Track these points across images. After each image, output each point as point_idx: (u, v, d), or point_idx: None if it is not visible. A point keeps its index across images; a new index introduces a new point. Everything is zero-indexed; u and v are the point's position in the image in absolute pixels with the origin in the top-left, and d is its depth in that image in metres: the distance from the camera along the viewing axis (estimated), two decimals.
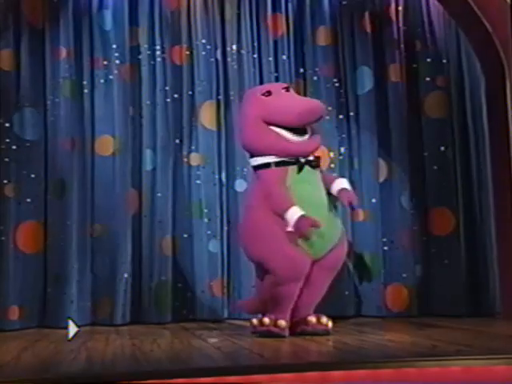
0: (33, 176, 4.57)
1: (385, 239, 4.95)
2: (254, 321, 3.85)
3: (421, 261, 4.94)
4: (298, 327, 3.86)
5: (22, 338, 4.02)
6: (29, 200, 4.55)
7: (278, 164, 3.83)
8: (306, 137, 3.88)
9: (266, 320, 3.78)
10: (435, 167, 4.98)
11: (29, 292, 4.48)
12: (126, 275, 4.60)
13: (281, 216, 3.73)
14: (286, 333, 3.77)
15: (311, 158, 3.90)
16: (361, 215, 4.94)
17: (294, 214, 3.69)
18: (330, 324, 3.88)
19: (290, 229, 3.71)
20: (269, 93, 3.92)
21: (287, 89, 4.00)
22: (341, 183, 3.98)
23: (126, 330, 4.34)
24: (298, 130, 3.84)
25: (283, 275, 3.75)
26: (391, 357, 3.08)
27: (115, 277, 4.59)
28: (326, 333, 3.82)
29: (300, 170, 3.84)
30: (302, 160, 3.85)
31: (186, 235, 4.76)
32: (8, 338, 4.05)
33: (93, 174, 4.68)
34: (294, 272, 3.76)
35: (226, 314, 4.72)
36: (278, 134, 3.83)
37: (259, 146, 3.89)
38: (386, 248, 4.95)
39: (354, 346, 3.40)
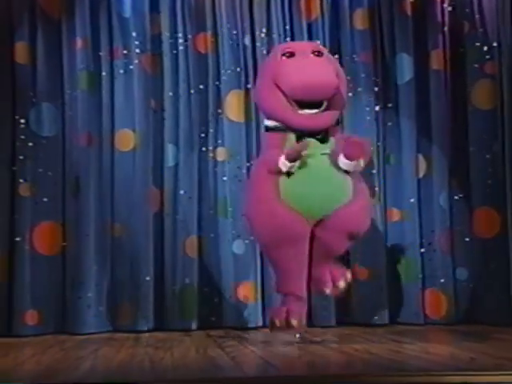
0: (50, 174, 4.57)
1: (423, 240, 4.81)
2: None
3: (462, 264, 4.79)
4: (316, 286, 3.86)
5: (35, 344, 4.04)
6: (46, 199, 4.55)
7: (279, 129, 3.81)
8: (319, 110, 3.77)
9: (277, 322, 3.77)
10: (481, 163, 4.80)
11: (46, 296, 4.50)
12: (147, 278, 4.56)
13: (275, 172, 3.71)
14: (301, 328, 3.79)
15: None
16: (396, 215, 4.82)
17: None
18: (349, 276, 3.88)
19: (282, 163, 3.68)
20: (290, 54, 3.85)
21: (318, 53, 3.88)
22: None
23: (145, 337, 4.31)
24: (308, 102, 3.75)
25: (268, 235, 3.75)
26: (418, 369, 2.97)
27: (136, 280, 4.56)
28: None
29: (298, 139, 3.77)
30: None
31: (212, 235, 4.70)
32: (22, 344, 4.08)
33: (112, 171, 4.66)
34: (279, 231, 3.70)
35: (260, 322, 4.63)
36: (284, 101, 3.77)
37: (266, 109, 3.92)
38: (423, 250, 4.81)
39: (382, 357, 3.30)
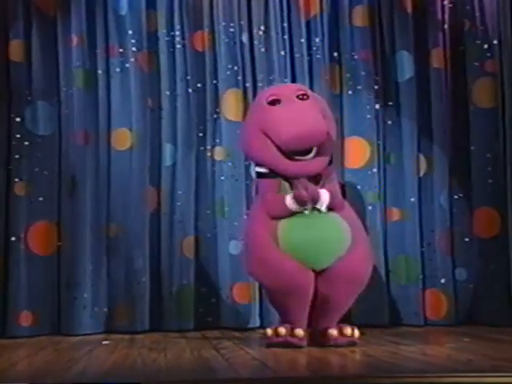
0: (45, 173, 4.57)
1: (422, 241, 4.79)
2: (269, 331, 3.74)
3: (462, 265, 4.77)
4: (319, 339, 3.75)
5: (29, 345, 4.04)
6: (41, 199, 4.54)
7: (270, 175, 3.78)
8: (309, 156, 3.73)
9: (282, 330, 3.67)
10: (482, 162, 4.77)
11: (41, 297, 4.48)
12: (143, 279, 4.55)
13: (279, 214, 3.68)
14: (305, 343, 3.67)
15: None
16: (396, 214, 4.80)
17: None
18: (357, 333, 3.75)
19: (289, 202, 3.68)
20: (276, 102, 3.77)
21: (305, 96, 3.81)
22: None
23: (141, 338, 4.29)
24: (299, 151, 3.72)
25: (271, 286, 3.73)
26: (414, 371, 2.95)
27: (132, 281, 4.55)
28: (352, 344, 3.69)
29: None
30: None
31: (209, 235, 4.69)
32: (16, 346, 4.06)
33: (108, 170, 4.64)
34: (281, 282, 3.66)
35: (257, 323, 4.62)
36: (274, 150, 3.73)
37: (256, 157, 3.87)
38: (423, 250, 4.79)
39: (378, 359, 3.28)
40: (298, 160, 3.72)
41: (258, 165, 3.89)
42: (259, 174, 3.88)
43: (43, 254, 4.52)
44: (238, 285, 4.62)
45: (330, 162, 3.86)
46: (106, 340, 4.16)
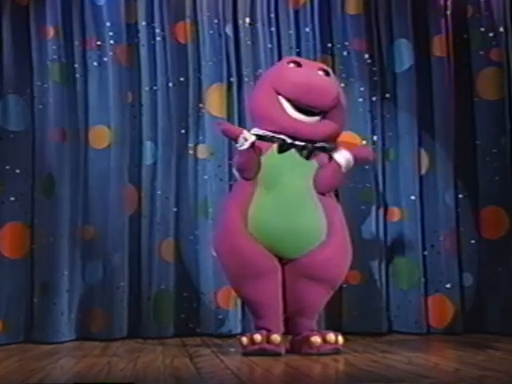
0: (18, 172, 4.56)
1: (425, 242, 4.74)
2: (244, 339, 3.69)
3: (468, 268, 4.71)
4: (301, 348, 3.72)
5: None
6: (13, 199, 4.53)
7: (261, 138, 3.76)
8: (316, 118, 3.76)
9: (258, 337, 3.63)
10: (488, 158, 4.72)
11: (14, 302, 4.48)
12: (121, 283, 4.55)
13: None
14: (282, 349, 3.64)
15: (303, 144, 3.76)
16: (397, 214, 4.75)
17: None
18: (341, 340, 3.71)
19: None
20: (297, 64, 3.88)
21: (325, 72, 3.91)
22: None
23: (116, 345, 4.29)
24: (308, 111, 3.75)
25: (232, 269, 3.73)
26: (389, 380, 2.92)
27: (110, 285, 4.55)
28: (336, 352, 3.65)
29: (281, 151, 3.73)
30: (288, 141, 3.74)
31: (191, 237, 4.69)
32: None
33: (86, 170, 4.64)
34: (244, 265, 3.67)
35: (238, 329, 4.61)
36: (282, 106, 3.76)
37: (257, 111, 3.89)
38: (425, 253, 4.73)
39: (358, 368, 3.26)
40: (301, 120, 3.75)
41: (258, 125, 3.88)
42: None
43: (15, 257, 4.52)
44: (222, 290, 4.60)
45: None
46: None
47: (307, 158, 3.76)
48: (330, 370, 3.31)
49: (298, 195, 3.73)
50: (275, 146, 3.75)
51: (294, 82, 3.75)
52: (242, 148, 3.69)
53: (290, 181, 3.72)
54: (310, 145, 3.76)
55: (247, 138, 3.68)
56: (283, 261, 3.74)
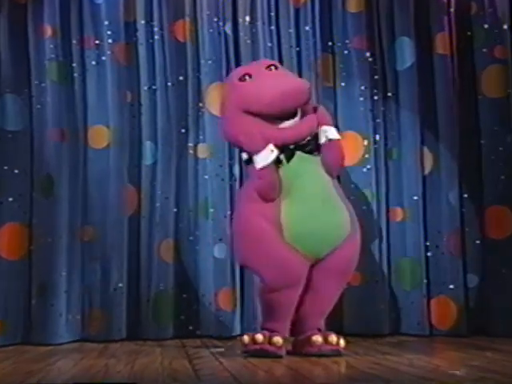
0: (16, 172, 4.55)
1: (428, 243, 4.72)
2: (245, 338, 3.73)
3: (473, 269, 4.69)
4: (302, 348, 3.73)
5: None
6: (11, 199, 4.53)
7: None
8: (296, 119, 3.76)
9: (260, 337, 3.65)
10: (493, 157, 4.70)
11: (11, 304, 4.47)
12: (120, 284, 4.55)
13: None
14: (283, 352, 3.65)
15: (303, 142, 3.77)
16: (399, 214, 4.74)
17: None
18: (342, 343, 3.71)
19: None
20: (247, 76, 3.84)
21: (273, 67, 3.89)
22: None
23: (115, 346, 4.29)
24: (284, 115, 3.74)
25: (273, 281, 3.68)
26: (387, 382, 2.92)
27: (109, 286, 4.54)
28: (337, 353, 3.66)
29: (289, 159, 3.73)
30: (291, 147, 3.74)
31: (191, 238, 4.69)
32: None
33: (85, 170, 4.64)
34: (285, 277, 3.66)
35: (238, 330, 4.61)
36: (259, 122, 3.73)
37: (243, 139, 3.80)
38: (429, 254, 4.71)
39: (359, 370, 3.26)
40: (283, 127, 3.74)
41: (243, 151, 3.88)
42: (247, 161, 3.86)
43: (13, 258, 4.51)
44: (223, 291, 4.61)
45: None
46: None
47: (311, 152, 3.77)
48: (330, 372, 3.30)
49: (321, 193, 3.75)
50: (281, 157, 3.74)
51: (268, 102, 3.68)
52: (268, 162, 3.67)
53: (308, 182, 3.74)
54: (311, 140, 3.78)
55: (273, 149, 3.69)
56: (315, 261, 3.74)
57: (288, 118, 3.74)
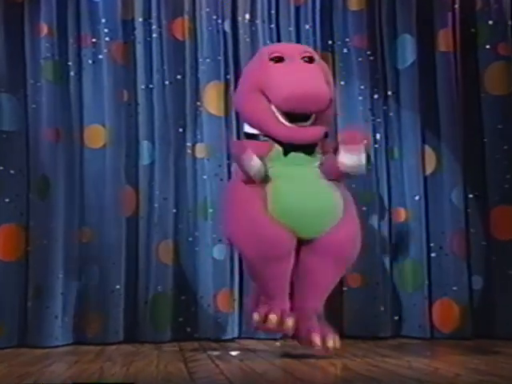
0: (12, 172, 4.55)
1: (432, 244, 4.71)
2: (256, 316, 3.73)
3: (478, 271, 4.68)
4: (301, 341, 3.76)
5: None
6: (7, 200, 4.52)
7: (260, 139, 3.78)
8: (307, 123, 3.72)
9: (273, 318, 3.66)
10: (498, 156, 4.69)
11: (7, 306, 4.47)
12: (118, 286, 4.55)
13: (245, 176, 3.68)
14: (280, 328, 3.70)
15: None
16: (402, 215, 4.73)
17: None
18: (337, 342, 3.70)
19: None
20: (279, 59, 3.80)
21: (309, 58, 3.83)
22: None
23: (112, 349, 4.29)
24: (297, 115, 3.70)
25: (255, 253, 3.67)
26: None
27: (106, 288, 4.54)
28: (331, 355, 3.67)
29: (286, 153, 3.73)
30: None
31: (190, 239, 4.68)
32: None
33: (81, 170, 4.64)
34: (267, 248, 3.64)
35: (236, 333, 4.62)
36: (271, 111, 3.73)
37: (248, 117, 3.85)
38: (433, 254, 4.70)
39: (356, 372, 3.26)
40: (290, 126, 3.72)
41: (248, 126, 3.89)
42: (248, 135, 3.87)
43: (10, 259, 4.51)
44: (222, 292, 4.61)
45: (326, 135, 3.84)
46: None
47: (311, 153, 3.77)
48: (326, 375, 3.31)
49: (311, 180, 3.74)
50: (276, 146, 3.74)
51: (286, 96, 3.64)
52: (248, 170, 3.66)
53: (300, 172, 3.73)
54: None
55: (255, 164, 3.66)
56: (301, 241, 3.73)
57: (299, 119, 3.70)
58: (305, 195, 3.68)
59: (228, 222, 3.85)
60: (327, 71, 3.95)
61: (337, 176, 3.74)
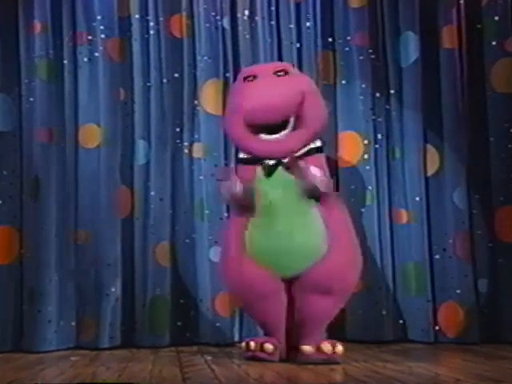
0: (5, 173, 4.57)
1: (435, 246, 4.69)
2: (243, 344, 3.91)
3: (484, 273, 4.65)
4: (295, 356, 3.78)
5: None
6: (1, 202, 4.54)
7: (247, 161, 3.87)
8: (283, 133, 3.78)
9: (252, 344, 3.80)
10: (503, 155, 4.66)
11: (1, 310, 4.48)
12: (113, 289, 4.54)
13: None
14: (275, 358, 3.76)
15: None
16: (403, 216, 4.71)
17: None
18: (339, 350, 3.71)
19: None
20: (253, 77, 3.92)
21: (280, 72, 3.93)
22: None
23: (107, 354, 4.29)
24: (264, 126, 3.77)
25: (238, 292, 3.90)
26: None
27: (102, 291, 4.53)
28: (331, 362, 3.67)
29: (269, 174, 3.79)
30: (270, 162, 3.80)
31: (187, 240, 4.68)
32: None
33: (76, 170, 4.65)
34: (247, 289, 3.79)
35: (237, 337, 4.61)
36: (244, 127, 3.82)
37: (231, 137, 4.07)
38: (437, 256, 4.68)
39: (355, 378, 3.26)
40: (265, 139, 3.81)
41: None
42: (239, 160, 3.99)
43: (3, 262, 4.52)
44: (220, 295, 4.58)
45: (320, 150, 3.90)
46: (73, 356, 4.17)
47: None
48: (322, 380, 3.29)
49: (288, 211, 3.77)
50: (258, 169, 3.81)
51: (246, 109, 3.78)
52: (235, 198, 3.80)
53: (277, 198, 3.78)
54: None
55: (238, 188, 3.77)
56: (288, 279, 3.80)
57: (273, 132, 3.78)
58: (278, 235, 3.73)
59: (220, 261, 4.07)
60: (304, 81, 4.07)
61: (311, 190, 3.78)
